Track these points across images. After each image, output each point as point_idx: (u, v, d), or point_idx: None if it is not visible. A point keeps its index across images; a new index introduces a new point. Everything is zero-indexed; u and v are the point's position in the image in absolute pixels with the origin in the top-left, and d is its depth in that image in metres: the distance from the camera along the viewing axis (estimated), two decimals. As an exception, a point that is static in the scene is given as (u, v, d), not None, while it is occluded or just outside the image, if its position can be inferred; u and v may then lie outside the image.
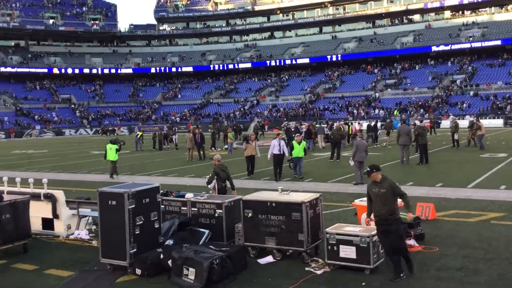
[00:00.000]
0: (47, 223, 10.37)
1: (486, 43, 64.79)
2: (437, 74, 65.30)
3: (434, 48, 68.36)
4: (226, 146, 31.83)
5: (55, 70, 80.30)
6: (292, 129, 29.15)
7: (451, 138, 26.16)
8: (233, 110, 70.05)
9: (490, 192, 13.22)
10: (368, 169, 7.25)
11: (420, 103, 58.19)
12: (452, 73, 65.23)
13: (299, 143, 16.94)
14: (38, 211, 10.17)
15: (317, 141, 28.82)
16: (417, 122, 25.24)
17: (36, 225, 10.08)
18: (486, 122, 31.37)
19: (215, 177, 10.98)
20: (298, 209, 7.73)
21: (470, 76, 63.07)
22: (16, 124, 66.76)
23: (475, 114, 45.88)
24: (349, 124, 32.05)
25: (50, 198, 10.26)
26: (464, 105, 55.52)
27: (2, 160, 29.72)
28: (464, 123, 34.47)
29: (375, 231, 7.33)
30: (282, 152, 16.59)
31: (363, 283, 6.80)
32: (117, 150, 19.01)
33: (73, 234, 10.16)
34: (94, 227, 10.33)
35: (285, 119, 58.12)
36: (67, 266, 8.18)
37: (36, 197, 10.22)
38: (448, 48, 67.39)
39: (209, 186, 11.06)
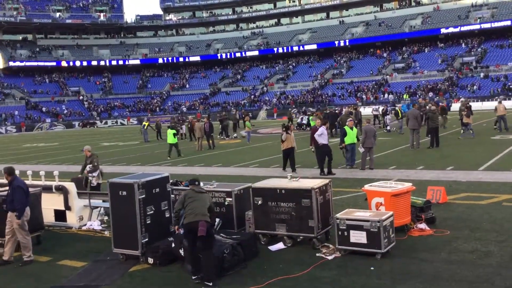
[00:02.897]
0: (60, 215, 10.49)
1: (496, 24, 63.94)
2: (446, 56, 64.64)
3: (443, 30, 67.59)
4: (235, 135, 31.82)
5: (63, 63, 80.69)
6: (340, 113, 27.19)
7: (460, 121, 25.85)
8: (242, 99, 69.95)
9: (502, 174, 13.10)
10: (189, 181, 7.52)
11: (430, 86, 57.72)
12: (461, 55, 64.54)
13: (352, 128, 15.59)
14: (50, 203, 10.28)
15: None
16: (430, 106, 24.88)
17: (48, 217, 10.20)
18: (496, 104, 30.35)
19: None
20: (307, 195, 7.73)
21: (480, 57, 62.35)
22: (26, 118, 67.25)
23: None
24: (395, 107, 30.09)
25: (62, 190, 10.36)
26: (475, 87, 54.97)
27: (14, 153, 30.00)
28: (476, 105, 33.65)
29: (386, 216, 7.33)
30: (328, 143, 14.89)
31: (372, 268, 6.79)
32: (174, 135, 22.23)
33: (85, 225, 10.26)
34: (106, 217, 10.40)
35: (293, 106, 57.95)
36: (80, 257, 8.27)
37: (48, 189, 10.32)
38: (457, 30, 66.60)
39: (94, 174, 12.17)
